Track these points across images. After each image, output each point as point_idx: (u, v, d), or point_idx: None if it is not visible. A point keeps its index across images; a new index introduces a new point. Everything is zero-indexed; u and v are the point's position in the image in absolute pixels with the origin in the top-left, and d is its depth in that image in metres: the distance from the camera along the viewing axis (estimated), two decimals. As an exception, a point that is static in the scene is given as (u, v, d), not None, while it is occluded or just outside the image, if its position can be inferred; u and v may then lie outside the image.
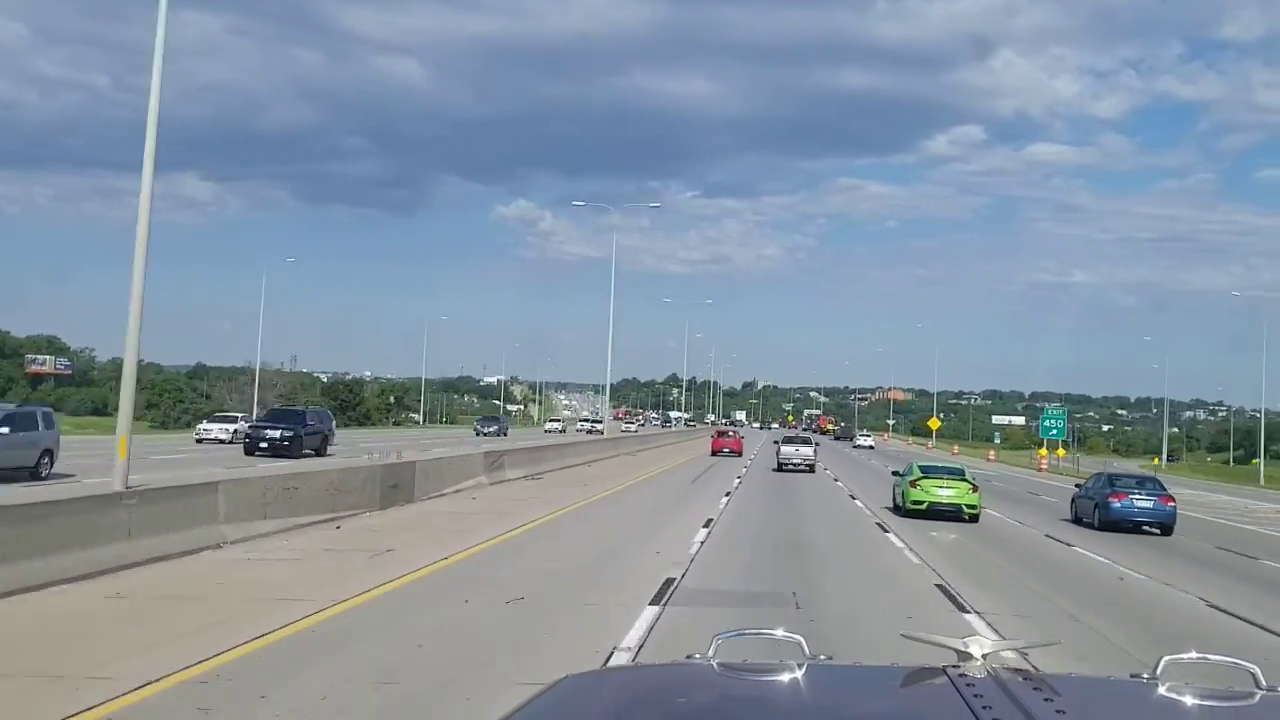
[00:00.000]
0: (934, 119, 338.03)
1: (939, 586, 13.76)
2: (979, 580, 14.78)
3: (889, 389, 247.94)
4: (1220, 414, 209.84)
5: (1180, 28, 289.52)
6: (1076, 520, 25.41)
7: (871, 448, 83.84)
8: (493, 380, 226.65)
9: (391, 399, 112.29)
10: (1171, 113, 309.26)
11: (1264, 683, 2.01)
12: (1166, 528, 23.53)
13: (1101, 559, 18.42)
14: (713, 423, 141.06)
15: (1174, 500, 23.98)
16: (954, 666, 1.97)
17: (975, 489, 24.16)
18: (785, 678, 2.01)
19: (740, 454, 51.72)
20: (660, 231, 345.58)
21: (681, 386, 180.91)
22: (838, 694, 2.08)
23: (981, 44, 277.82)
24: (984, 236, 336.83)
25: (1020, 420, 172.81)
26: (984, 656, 2.02)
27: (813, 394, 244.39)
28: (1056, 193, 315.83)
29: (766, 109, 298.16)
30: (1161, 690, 1.99)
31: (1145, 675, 2.10)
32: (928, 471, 24.90)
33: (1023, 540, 21.63)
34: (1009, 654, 2.06)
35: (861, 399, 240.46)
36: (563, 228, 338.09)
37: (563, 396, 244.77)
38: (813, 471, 40.49)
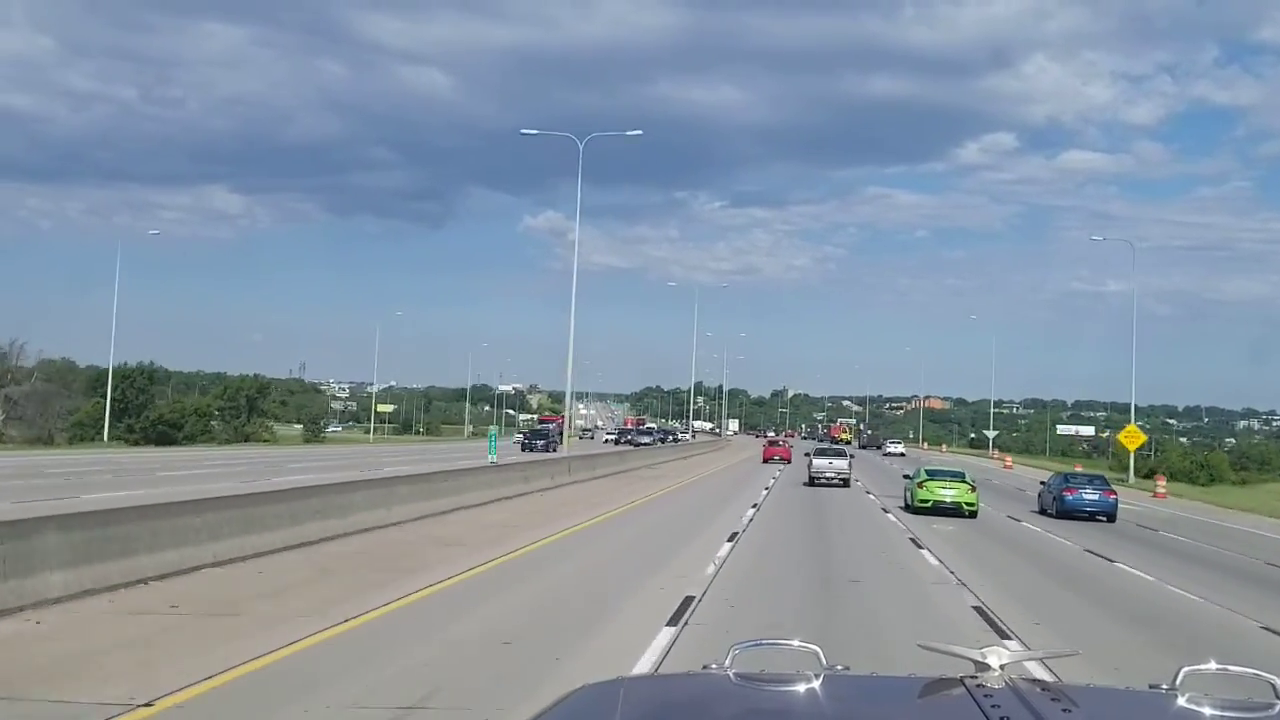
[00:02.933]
0: (965, 126, 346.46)
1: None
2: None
3: (926, 397, 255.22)
4: (1275, 424, 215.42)
5: (1216, 31, 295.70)
6: (1042, 511, 33.09)
7: (902, 455, 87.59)
8: (508, 389, 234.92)
9: (217, 407, 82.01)
10: (1208, 119, 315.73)
11: None
12: (1111, 515, 31.13)
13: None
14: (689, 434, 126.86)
15: (1115, 493, 31.66)
16: (971, 677, 2.12)
17: (974, 489, 29.99)
18: (802, 688, 2.16)
19: (790, 461, 60.47)
20: (689, 242, 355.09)
21: (706, 395, 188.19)
22: (855, 704, 2.24)
23: (1013, 49, 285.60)
24: (1016, 246, 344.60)
25: (1088, 430, 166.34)
26: (1002, 667, 2.17)
27: (845, 402, 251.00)
28: (1090, 201, 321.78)
29: (794, 117, 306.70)
30: (1181, 701, 2.15)
31: (1164, 686, 2.26)
32: (933, 474, 31.07)
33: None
34: (1028, 664, 2.27)
35: (896, 408, 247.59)
36: (590, 238, 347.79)
37: (581, 406, 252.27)
38: (847, 486, 40.02)
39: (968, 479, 30.66)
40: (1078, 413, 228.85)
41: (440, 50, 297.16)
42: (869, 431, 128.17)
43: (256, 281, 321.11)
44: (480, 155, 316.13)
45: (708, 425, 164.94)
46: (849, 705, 2.21)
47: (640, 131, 47.45)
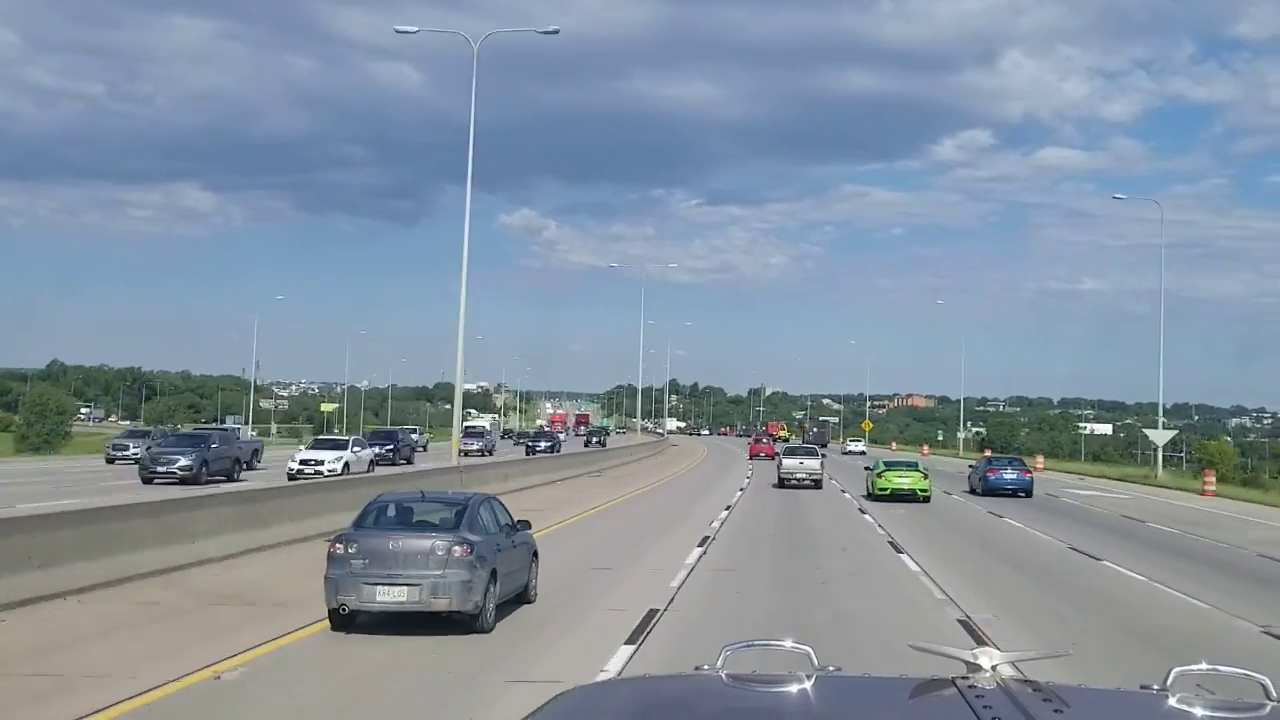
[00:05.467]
0: (941, 123, 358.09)
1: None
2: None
3: (909, 395, 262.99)
4: (1266, 421, 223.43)
5: (1192, 26, 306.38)
6: (971, 490, 39.42)
7: (863, 453, 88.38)
8: (471, 387, 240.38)
9: None
10: (1184, 115, 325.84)
11: (1274, 694, 2.29)
12: (1028, 491, 37.53)
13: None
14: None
15: (1031, 472, 38.03)
16: (963, 678, 2.25)
17: (926, 477, 35.33)
18: (794, 689, 2.29)
19: (774, 457, 61.48)
20: (666, 240, 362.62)
21: (681, 393, 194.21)
22: (846, 705, 2.37)
23: (988, 45, 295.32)
24: (992, 244, 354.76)
25: (1106, 429, 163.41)
26: (993, 668, 2.30)
27: (825, 400, 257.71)
28: (1066, 198, 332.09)
29: (770, 114, 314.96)
30: (1172, 702, 2.30)
31: (1155, 687, 2.40)
32: (890, 465, 37.03)
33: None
34: (1019, 665, 2.34)
35: (879, 406, 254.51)
36: (567, 236, 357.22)
37: (549, 405, 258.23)
38: (820, 487, 40.31)
39: (920, 468, 36.39)
40: (1065, 410, 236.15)
41: (411, 45, 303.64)
42: (815, 429, 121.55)
43: (226, 280, 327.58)
44: (454, 152, 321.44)
45: (681, 423, 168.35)
46: (840, 706, 2.34)
47: (558, 29, 42.38)
